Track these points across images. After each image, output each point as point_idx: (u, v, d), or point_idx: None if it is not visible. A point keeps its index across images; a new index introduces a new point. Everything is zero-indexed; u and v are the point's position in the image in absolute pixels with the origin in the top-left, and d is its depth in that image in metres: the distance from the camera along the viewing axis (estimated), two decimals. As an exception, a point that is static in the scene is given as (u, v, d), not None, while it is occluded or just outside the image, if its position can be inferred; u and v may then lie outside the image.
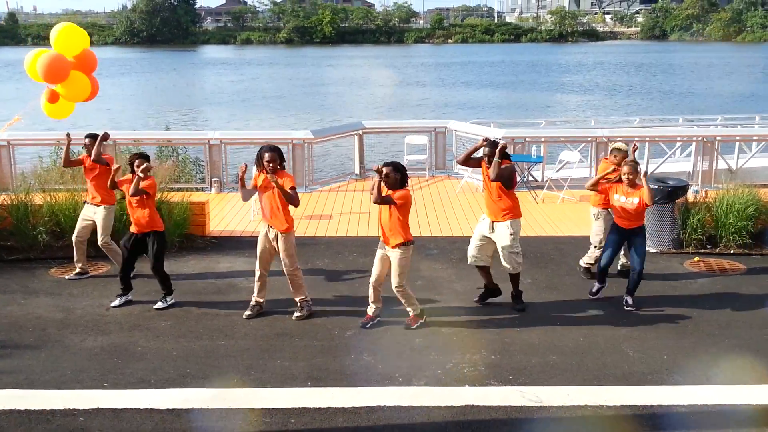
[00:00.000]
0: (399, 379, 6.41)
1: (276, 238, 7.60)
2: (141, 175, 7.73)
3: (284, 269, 7.71)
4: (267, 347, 7.06)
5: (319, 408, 5.91)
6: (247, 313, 7.82)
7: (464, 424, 5.70)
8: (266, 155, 7.37)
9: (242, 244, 10.24)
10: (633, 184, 7.78)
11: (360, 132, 14.95)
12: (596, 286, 8.31)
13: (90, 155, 8.67)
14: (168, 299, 8.09)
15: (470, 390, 6.23)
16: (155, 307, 8.00)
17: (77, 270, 9.01)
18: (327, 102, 41.03)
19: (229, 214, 11.89)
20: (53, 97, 8.23)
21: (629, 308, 7.98)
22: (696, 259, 9.71)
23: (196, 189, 13.51)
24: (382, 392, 6.17)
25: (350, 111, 35.44)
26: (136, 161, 7.86)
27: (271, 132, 21.13)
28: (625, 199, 7.83)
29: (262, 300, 7.90)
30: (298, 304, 7.81)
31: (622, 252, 8.74)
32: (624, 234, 8.01)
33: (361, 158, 14.99)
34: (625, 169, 7.82)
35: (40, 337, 7.29)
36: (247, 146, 15.43)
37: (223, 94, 46.16)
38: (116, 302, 8.09)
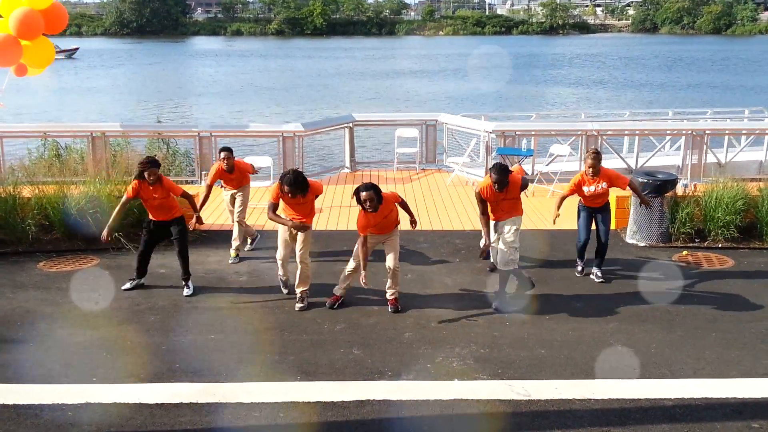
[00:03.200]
0: (388, 373, 6.43)
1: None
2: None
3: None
4: (256, 341, 7.07)
5: (309, 402, 5.93)
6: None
7: (453, 418, 5.73)
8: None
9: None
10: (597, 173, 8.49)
11: (350, 125, 14.92)
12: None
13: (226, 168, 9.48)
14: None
15: (459, 384, 6.26)
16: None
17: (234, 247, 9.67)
18: (318, 94, 40.93)
19: (219, 207, 11.84)
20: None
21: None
22: (684, 252, 9.76)
23: (186, 182, 13.47)
24: (372, 386, 6.19)
25: (342, 103, 35.38)
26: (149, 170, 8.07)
27: (261, 125, 21.07)
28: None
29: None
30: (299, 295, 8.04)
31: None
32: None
33: (352, 151, 14.97)
34: (588, 161, 8.50)
35: (29, 332, 7.27)
36: (237, 139, 15.37)
37: (215, 86, 45.99)
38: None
